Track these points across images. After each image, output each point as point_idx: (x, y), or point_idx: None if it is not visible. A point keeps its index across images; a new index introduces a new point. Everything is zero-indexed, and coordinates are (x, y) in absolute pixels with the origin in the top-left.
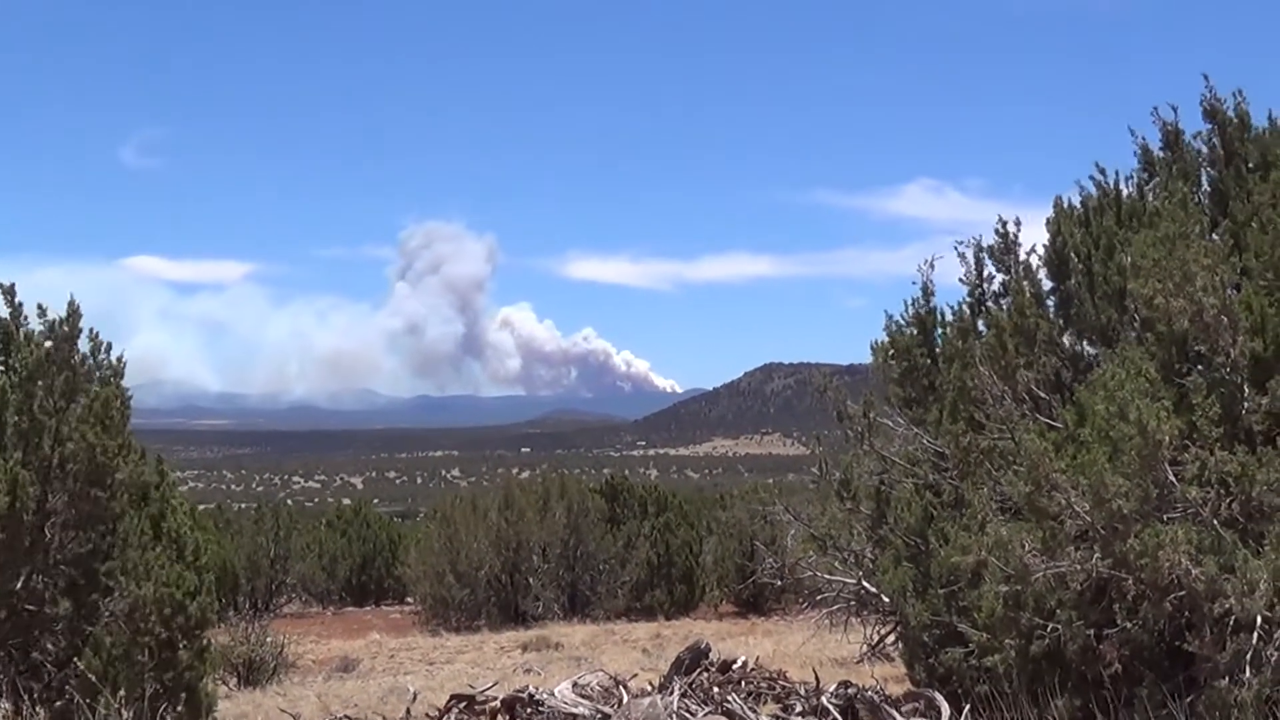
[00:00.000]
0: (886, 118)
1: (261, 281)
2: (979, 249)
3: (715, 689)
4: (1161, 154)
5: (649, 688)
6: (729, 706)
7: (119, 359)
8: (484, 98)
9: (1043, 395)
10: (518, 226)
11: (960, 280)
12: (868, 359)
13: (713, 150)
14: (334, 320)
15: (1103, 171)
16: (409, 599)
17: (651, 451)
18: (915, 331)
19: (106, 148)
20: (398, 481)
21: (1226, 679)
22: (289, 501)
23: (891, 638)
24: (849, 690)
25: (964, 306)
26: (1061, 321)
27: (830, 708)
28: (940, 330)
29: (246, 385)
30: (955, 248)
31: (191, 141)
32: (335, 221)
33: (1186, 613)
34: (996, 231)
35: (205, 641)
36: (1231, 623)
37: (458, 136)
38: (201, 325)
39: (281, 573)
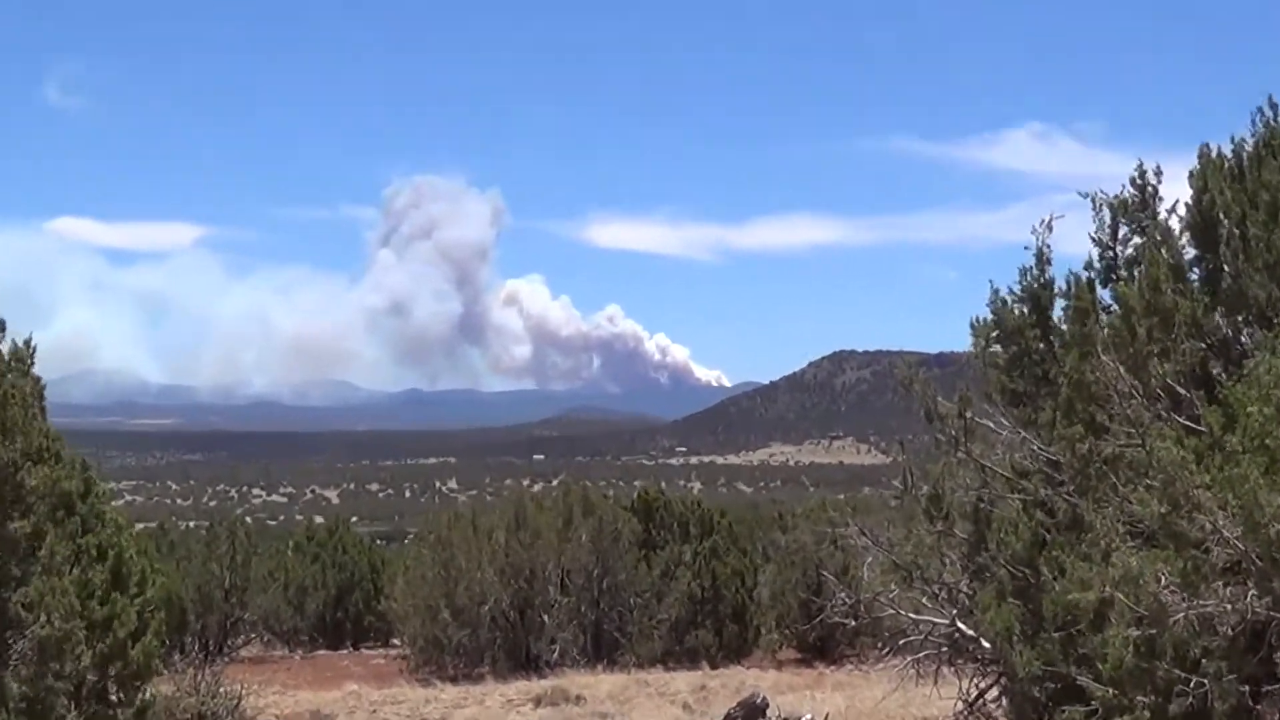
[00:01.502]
0: (983, 48)
1: (214, 248)
2: (1110, 203)
3: None
4: None
5: None
6: None
7: (26, 343)
8: (486, 26)
9: (1182, 391)
10: (528, 182)
11: (1093, 239)
12: (963, 344)
13: (766, 89)
14: (302, 296)
15: (1274, 107)
16: (395, 640)
17: (694, 460)
18: (1027, 309)
19: (21, 84)
20: (381, 495)
21: None
22: (248, 519)
23: (994, 692)
24: None
25: (1086, 279)
26: (1207, 299)
27: None
28: (1065, 306)
29: (195, 376)
30: (1091, 198)
31: (127, 76)
32: (304, 175)
33: None
34: (1132, 182)
35: (147, 695)
36: None
37: (454, 72)
38: (140, 302)
39: (239, 607)
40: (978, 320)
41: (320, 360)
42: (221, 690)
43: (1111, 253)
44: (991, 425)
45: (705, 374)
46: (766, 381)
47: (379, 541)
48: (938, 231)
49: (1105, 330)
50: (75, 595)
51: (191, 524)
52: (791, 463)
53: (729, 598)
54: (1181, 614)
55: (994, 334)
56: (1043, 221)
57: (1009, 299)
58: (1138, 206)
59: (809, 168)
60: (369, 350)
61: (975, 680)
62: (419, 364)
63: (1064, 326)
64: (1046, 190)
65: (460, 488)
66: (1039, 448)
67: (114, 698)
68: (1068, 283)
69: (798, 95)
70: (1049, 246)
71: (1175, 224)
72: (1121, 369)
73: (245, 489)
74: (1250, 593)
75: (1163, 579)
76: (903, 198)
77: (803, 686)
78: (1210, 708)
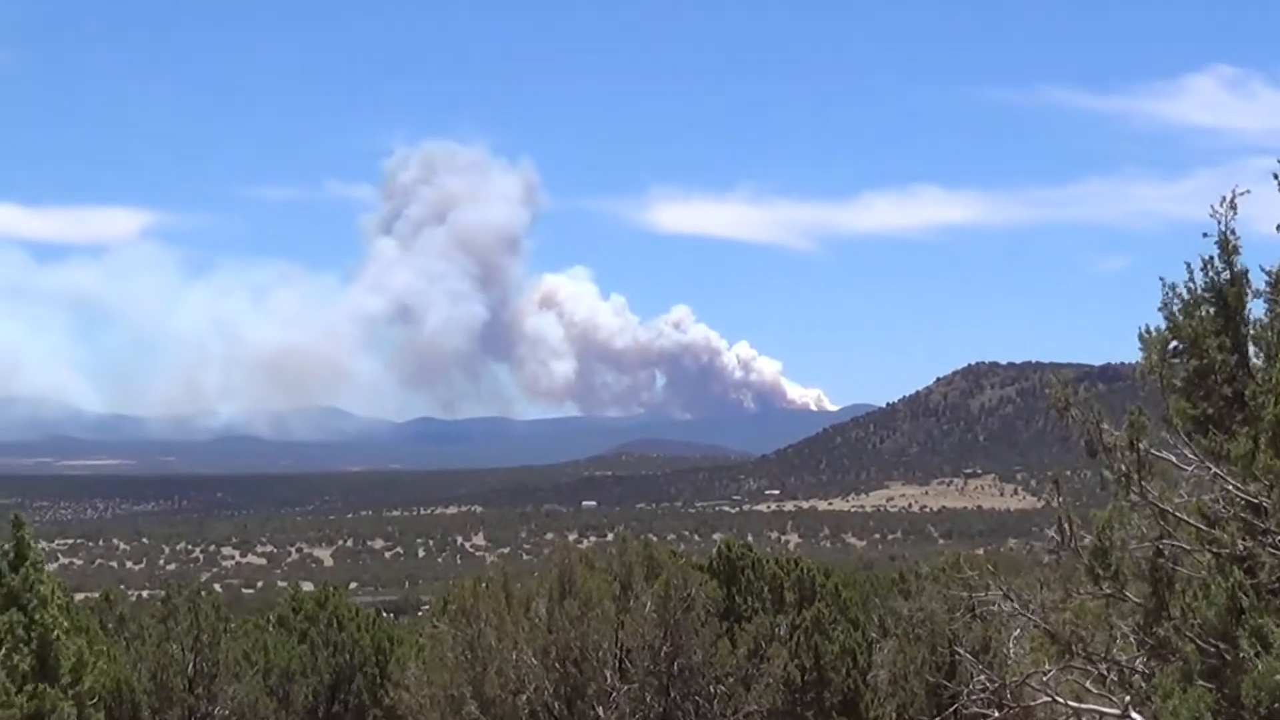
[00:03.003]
0: None
1: (166, 240)
2: None
3: None
4: None
5: None
6: None
7: None
8: None
9: None
10: (570, 150)
11: None
12: (1133, 356)
13: (877, 29)
14: (279, 300)
15: None
16: None
17: (789, 505)
18: (1212, 311)
19: None
20: (387, 555)
21: None
22: (216, 587)
23: None
24: None
25: None
26: None
27: None
28: (1269, 308)
29: (143, 404)
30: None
31: (58, 23)
32: (279, 145)
33: None
34: None
35: None
36: None
37: (471, 10)
38: (73, 309)
39: (205, 700)
40: (1148, 330)
41: (304, 382)
42: None
43: None
44: (1173, 459)
45: (802, 395)
46: (882, 405)
47: (385, 614)
48: (1100, 208)
49: None
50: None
51: (144, 594)
52: (915, 508)
53: (837, 682)
54: None
55: (1171, 346)
56: (1226, 198)
57: (1188, 299)
58: None
59: (934, 128)
60: (366, 368)
61: None
62: (431, 386)
63: (1262, 332)
64: (1239, 154)
65: (488, 544)
66: (1235, 487)
67: None
68: (1268, 276)
69: (917, 36)
70: (1235, 231)
71: None
72: None
73: (212, 548)
74: None
75: None
76: (1055, 165)
77: None
78: None
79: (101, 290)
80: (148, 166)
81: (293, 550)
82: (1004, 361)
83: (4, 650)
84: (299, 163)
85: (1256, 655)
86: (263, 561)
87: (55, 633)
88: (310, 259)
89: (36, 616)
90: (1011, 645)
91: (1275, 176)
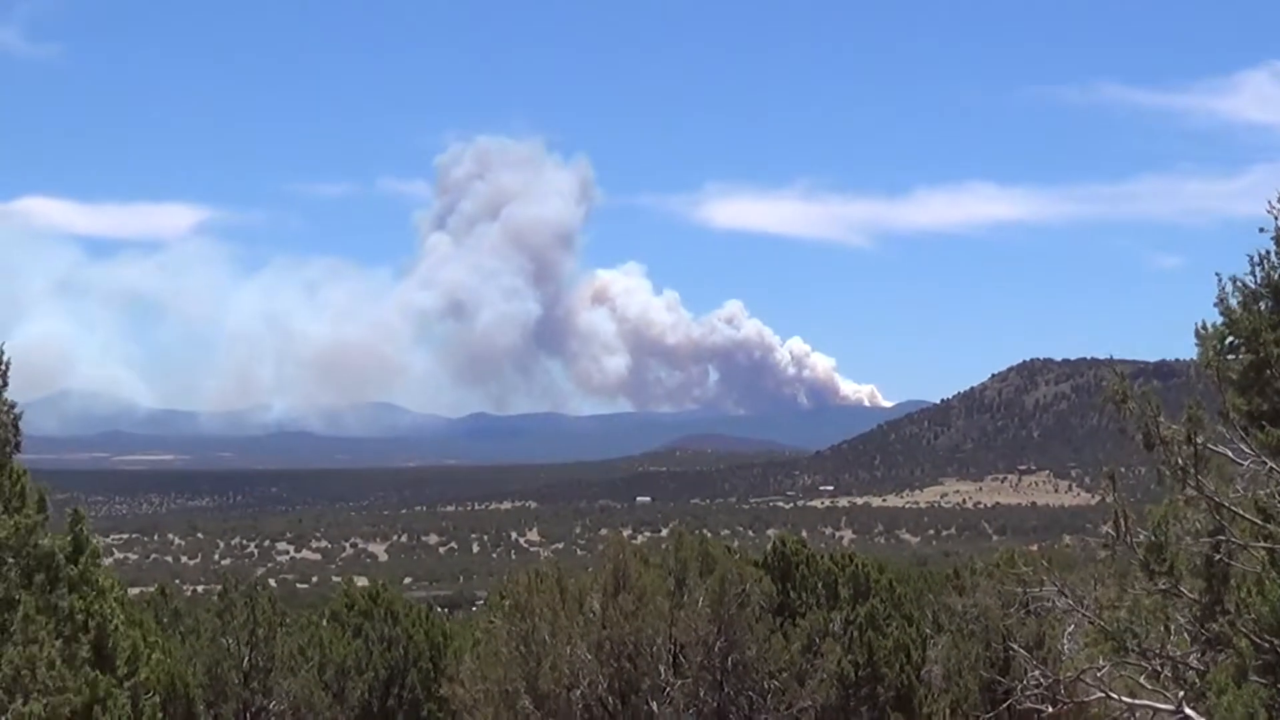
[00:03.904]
0: None
1: (219, 236)
2: None
3: None
4: None
5: None
6: None
7: None
8: None
9: None
10: (624, 147)
11: None
12: (1189, 351)
13: (932, 23)
14: (332, 295)
15: None
16: None
17: (843, 501)
18: (1269, 307)
19: None
20: (442, 550)
21: None
22: (271, 582)
23: None
24: None
25: None
26: None
27: None
28: None
29: (196, 399)
30: None
31: (110, 19)
32: (332, 141)
33: None
34: None
35: None
36: None
37: (531, 11)
38: (126, 305)
39: (261, 694)
40: (1204, 325)
41: (357, 377)
42: None
43: None
44: (1229, 453)
45: (855, 391)
46: (936, 401)
47: (439, 609)
48: (1155, 204)
49: None
50: (53, 673)
51: (199, 588)
52: (970, 504)
53: (890, 678)
54: None
55: (1227, 341)
56: None
57: (1243, 294)
58: None
59: (987, 124)
60: (419, 364)
61: None
62: (484, 381)
63: None
64: None
65: (543, 540)
66: None
67: None
68: None
69: (971, 32)
70: None
71: None
72: None
73: (267, 543)
74: None
75: None
76: (1109, 161)
77: None
78: None
79: (155, 286)
80: (202, 163)
81: (347, 545)
82: (1058, 358)
83: (63, 638)
84: (353, 159)
85: None
86: (317, 557)
87: (113, 622)
88: (363, 255)
89: (95, 606)
90: (1066, 641)
91: None
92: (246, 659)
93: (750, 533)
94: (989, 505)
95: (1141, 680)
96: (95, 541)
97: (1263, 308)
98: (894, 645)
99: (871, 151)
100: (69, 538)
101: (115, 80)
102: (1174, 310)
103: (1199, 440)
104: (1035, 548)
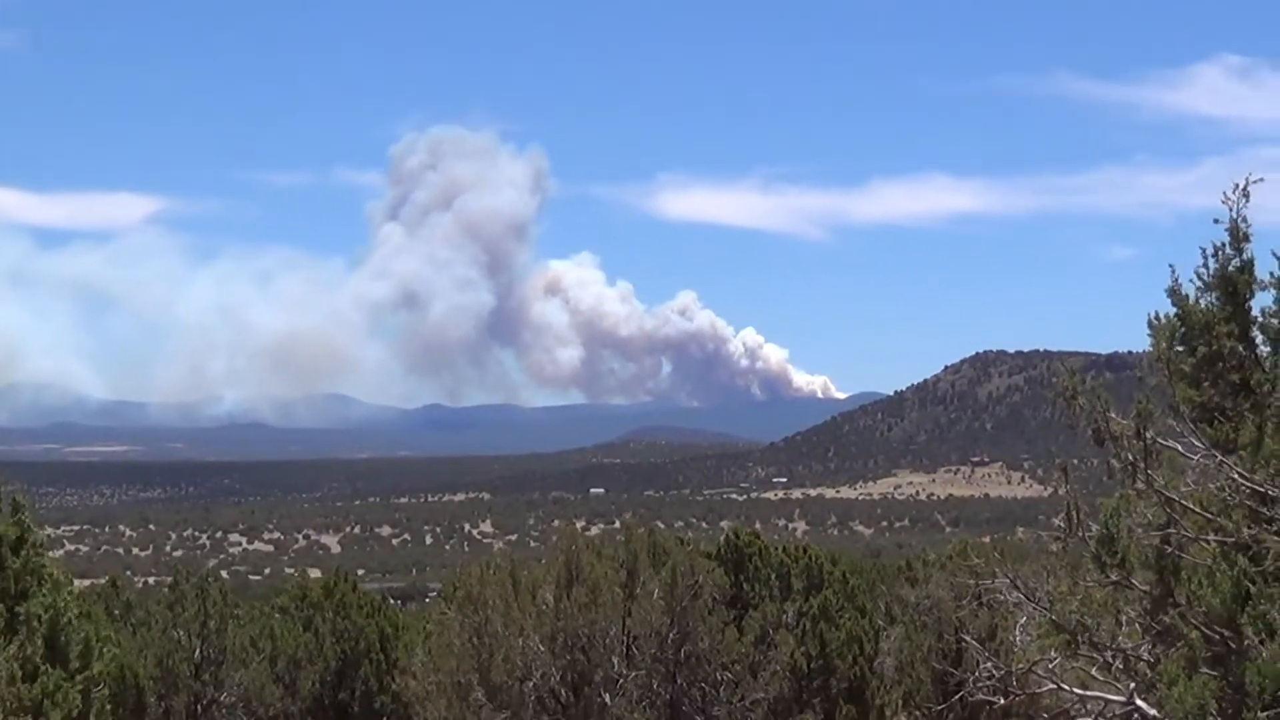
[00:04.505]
0: None
1: (172, 226)
2: None
3: None
4: None
5: None
6: None
7: None
8: None
9: None
10: (577, 137)
11: None
12: (1141, 345)
13: (889, 16)
14: (285, 286)
15: None
16: None
17: (796, 493)
18: (1219, 299)
19: None
20: (395, 541)
21: None
22: (223, 574)
23: None
24: None
25: None
26: None
27: None
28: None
29: (148, 390)
30: None
31: (62, 9)
32: (286, 131)
33: None
34: None
35: None
36: None
37: (484, 2)
38: (77, 295)
39: (212, 686)
40: (1156, 317)
41: (310, 369)
42: None
43: None
44: (1179, 448)
45: (809, 382)
46: (890, 392)
47: (392, 601)
48: (1108, 197)
49: None
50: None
51: (151, 580)
52: (923, 496)
53: (843, 670)
54: None
55: (1178, 333)
56: (1238, 186)
57: (1196, 286)
58: None
59: (943, 116)
60: (373, 355)
61: None
62: (438, 373)
63: (1270, 321)
64: (1248, 142)
65: (496, 531)
66: (1240, 475)
67: None
68: (1278, 262)
69: (927, 24)
70: (1245, 219)
71: None
72: None
73: (219, 535)
74: None
75: None
76: (1063, 154)
77: None
78: None
79: (106, 276)
80: (155, 152)
81: (300, 537)
82: (1011, 350)
83: (20, 638)
84: (307, 149)
85: (1261, 642)
86: (270, 548)
87: (66, 616)
88: (317, 246)
89: (49, 600)
90: (1018, 633)
91: None
92: (198, 651)
93: (704, 525)
94: (942, 497)
95: (1093, 672)
96: (39, 532)
97: (1216, 300)
98: (847, 637)
99: (827, 143)
100: (11, 528)
101: (67, 69)
102: (1127, 302)
103: (1149, 435)
104: (988, 539)
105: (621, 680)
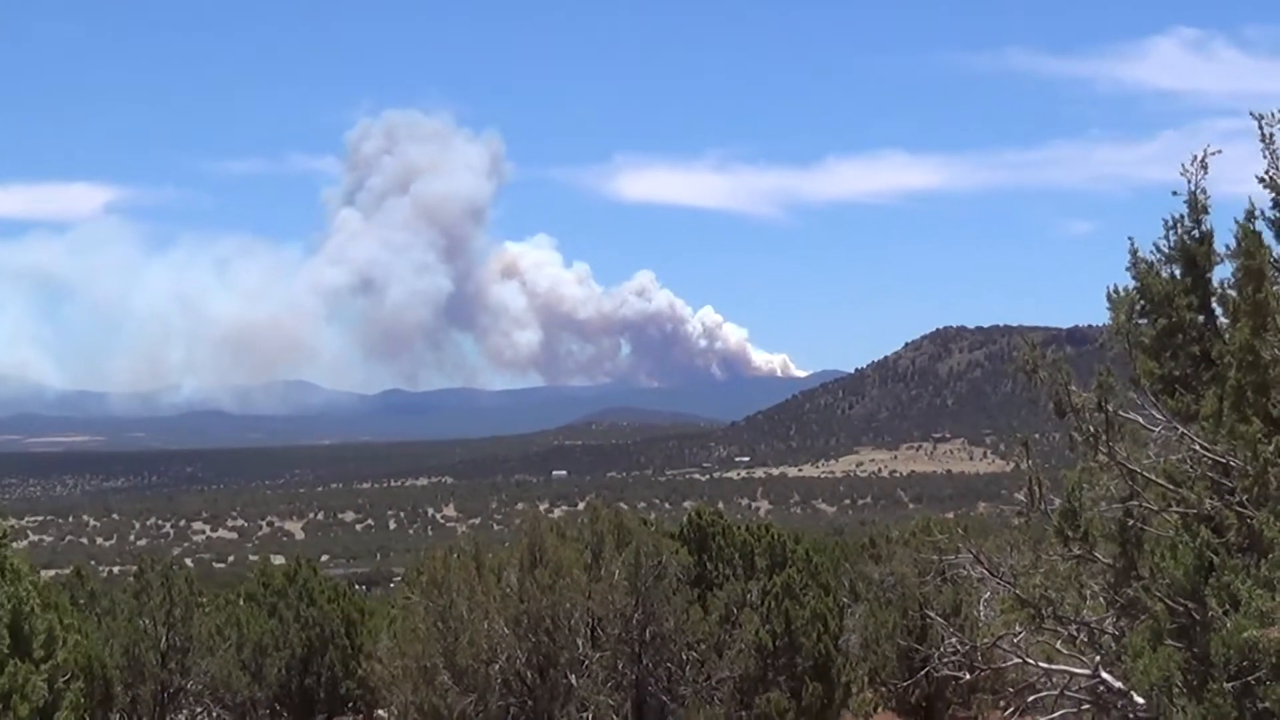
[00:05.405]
0: None
1: (129, 215)
2: None
3: None
4: None
5: None
6: None
7: None
8: None
9: None
10: (532, 119)
11: (1264, 180)
12: (1101, 317)
13: None
14: (242, 274)
15: None
16: (379, 712)
17: (759, 472)
18: (1179, 271)
19: None
20: (358, 527)
21: None
22: (188, 562)
23: None
24: None
25: (1256, 231)
26: None
27: None
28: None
29: (106, 380)
30: (1261, 122)
31: None
32: (244, 119)
33: None
34: None
35: None
36: None
37: None
38: (34, 286)
39: (179, 674)
40: (1116, 290)
41: (269, 356)
42: None
43: None
44: (1140, 420)
45: (768, 361)
46: (850, 370)
47: (357, 587)
48: (1065, 171)
49: None
50: None
51: (115, 569)
52: (885, 473)
53: (808, 648)
54: None
55: (1138, 305)
56: (1197, 157)
57: (1155, 259)
58: None
59: (897, 92)
60: (331, 341)
61: None
62: (396, 358)
63: (1229, 292)
64: (1204, 115)
65: (459, 515)
66: (1202, 447)
67: None
68: (1234, 236)
69: None
70: (1205, 191)
71: None
72: None
73: (183, 523)
74: None
75: None
76: (1019, 129)
77: None
78: None
79: (64, 267)
80: (110, 142)
81: (263, 524)
82: (971, 325)
83: None
84: (262, 135)
85: (1225, 613)
86: (234, 536)
87: (29, 605)
88: (274, 232)
89: (11, 590)
90: (982, 608)
91: (1259, 120)
92: (164, 639)
93: (667, 505)
94: (904, 474)
95: (1058, 646)
96: (2, 524)
97: (1175, 271)
98: (811, 615)
99: (782, 121)
100: None
101: (19, 58)
102: (1086, 276)
103: (1110, 407)
104: (950, 515)
105: (587, 662)
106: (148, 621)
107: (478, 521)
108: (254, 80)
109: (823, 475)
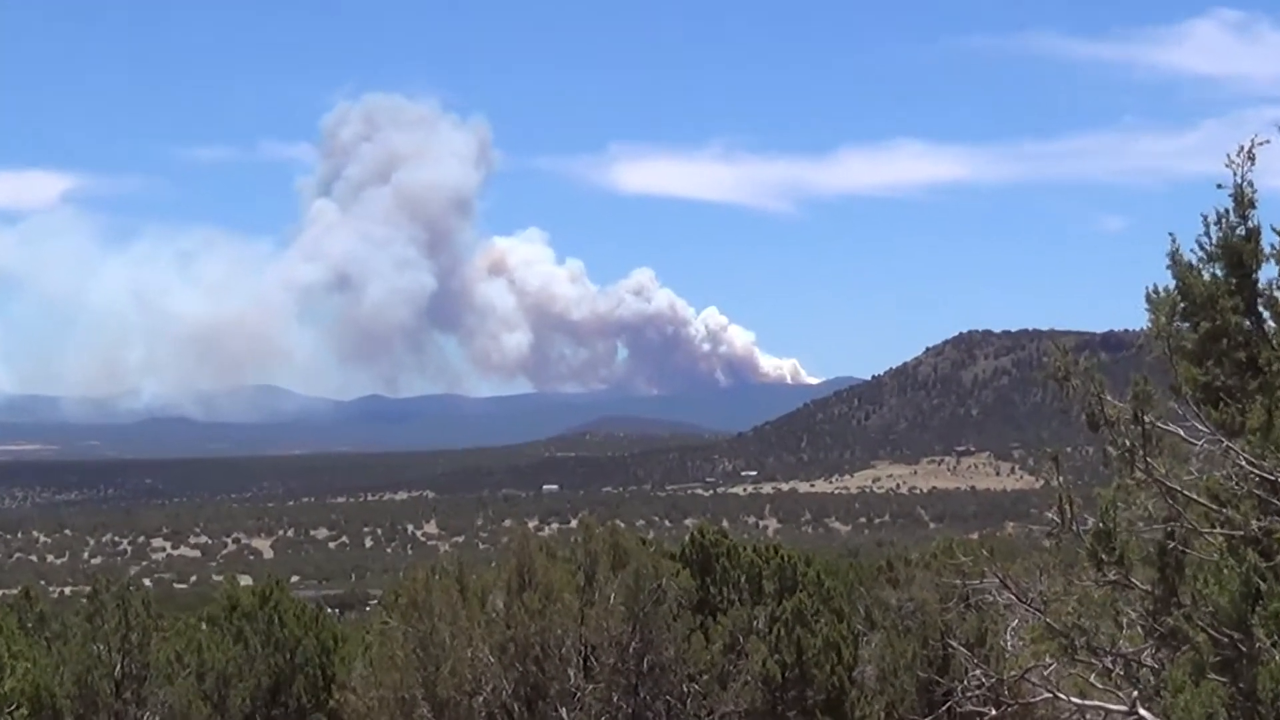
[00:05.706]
0: None
1: (87, 205)
2: None
3: None
4: None
5: None
6: None
7: None
8: None
9: None
10: (524, 105)
11: None
12: (1139, 321)
13: None
14: (208, 268)
15: None
16: None
17: (767, 487)
18: (1223, 271)
19: None
20: (331, 545)
21: None
22: (146, 582)
23: None
24: None
25: None
26: None
27: None
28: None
29: (58, 383)
30: None
31: None
32: (210, 102)
33: None
34: None
35: None
36: None
37: None
38: None
39: (134, 704)
40: (1155, 290)
41: (237, 358)
42: None
43: None
44: (1181, 433)
45: (777, 367)
46: (866, 377)
47: (330, 610)
48: (1097, 163)
49: None
50: None
51: (67, 590)
52: (904, 489)
53: (820, 680)
54: None
55: (1179, 308)
56: (1244, 148)
57: (1197, 258)
58: None
59: (914, 78)
60: (304, 342)
61: None
62: (375, 361)
63: (1278, 294)
64: (1247, 103)
65: (442, 532)
66: (1248, 462)
67: None
68: None
69: None
70: (1251, 184)
71: None
72: None
73: (141, 540)
74: None
75: None
76: (1047, 118)
77: None
78: None
79: (15, 259)
80: (68, 128)
81: (229, 541)
82: (998, 330)
83: None
84: (232, 121)
85: (1273, 645)
86: (196, 554)
87: None
88: (243, 225)
89: None
90: (1009, 637)
91: None
92: (119, 666)
93: (667, 523)
94: (925, 490)
95: (1092, 679)
96: None
97: (1218, 271)
98: (824, 643)
99: (792, 109)
100: None
101: None
102: (1122, 276)
103: (1148, 418)
104: (975, 536)
105: (579, 693)
106: (102, 647)
107: (461, 540)
108: (224, 62)
109: (836, 491)
